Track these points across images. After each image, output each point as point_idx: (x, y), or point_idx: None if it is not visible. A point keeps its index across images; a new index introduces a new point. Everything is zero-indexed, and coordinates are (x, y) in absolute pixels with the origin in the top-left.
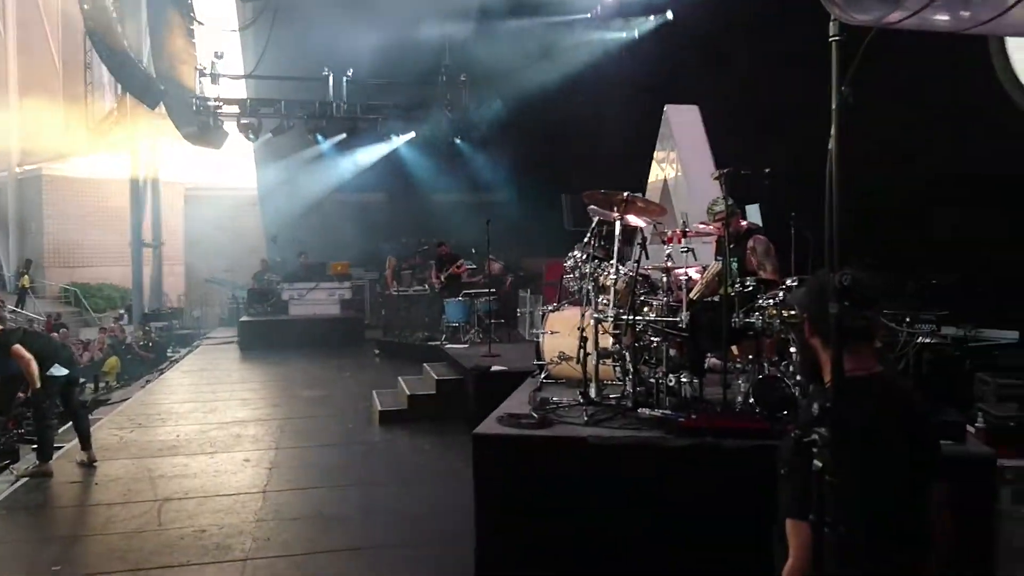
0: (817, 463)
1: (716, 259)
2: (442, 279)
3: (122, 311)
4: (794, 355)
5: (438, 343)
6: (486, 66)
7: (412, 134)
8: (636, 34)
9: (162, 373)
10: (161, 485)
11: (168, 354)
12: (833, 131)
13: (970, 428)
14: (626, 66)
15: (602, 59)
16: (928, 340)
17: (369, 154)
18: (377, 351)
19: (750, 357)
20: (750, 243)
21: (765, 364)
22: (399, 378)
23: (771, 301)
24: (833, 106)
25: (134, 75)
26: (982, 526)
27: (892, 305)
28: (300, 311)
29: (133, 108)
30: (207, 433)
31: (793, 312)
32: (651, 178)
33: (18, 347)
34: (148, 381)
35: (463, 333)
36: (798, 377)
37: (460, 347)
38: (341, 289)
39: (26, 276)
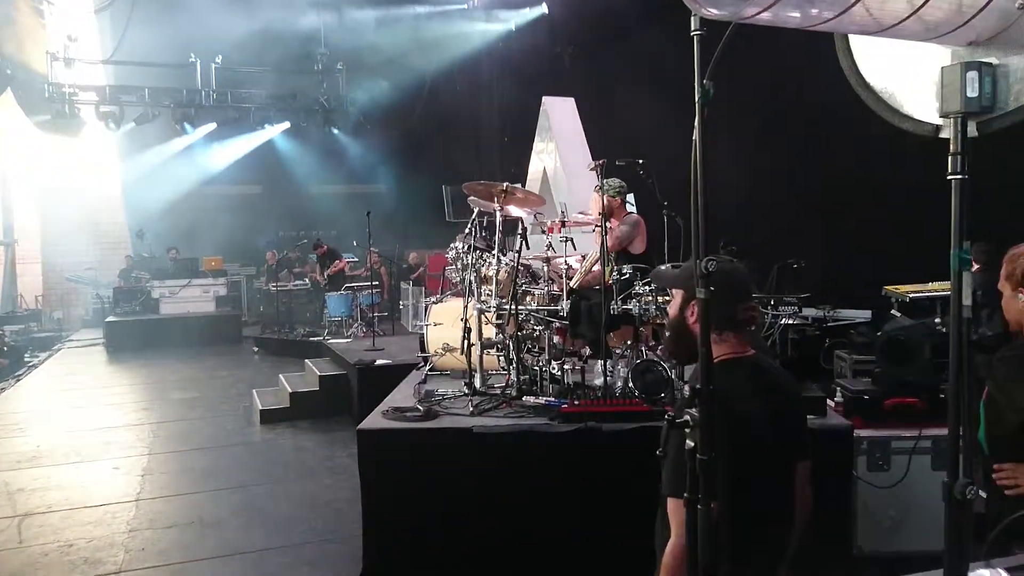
0: (690, 442)
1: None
2: (326, 277)
3: None
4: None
5: (320, 338)
6: (362, 54)
7: (287, 124)
8: (513, 26)
9: (19, 380)
10: (21, 500)
11: (26, 359)
12: (697, 123)
13: (830, 402)
14: (504, 58)
15: (480, 50)
16: (791, 321)
17: (242, 144)
18: (256, 348)
19: (628, 343)
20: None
21: (643, 349)
22: (280, 376)
23: (648, 288)
24: (696, 99)
25: None
26: (841, 492)
27: (758, 289)
28: (172, 309)
29: None
30: (72, 442)
31: (667, 297)
32: (531, 168)
33: None
34: (3, 389)
35: (346, 327)
36: (666, 352)
37: (343, 342)
38: (216, 285)
39: None
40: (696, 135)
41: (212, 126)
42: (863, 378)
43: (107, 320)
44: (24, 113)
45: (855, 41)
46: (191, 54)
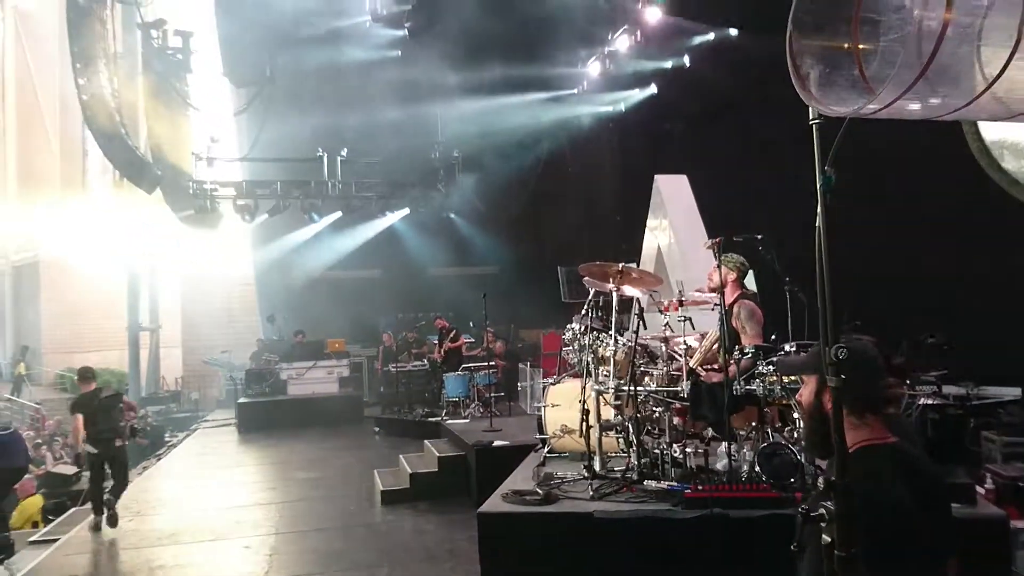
0: (826, 537)
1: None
2: (442, 353)
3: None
4: (798, 422)
5: (438, 419)
6: (477, 140)
7: (406, 210)
8: (623, 107)
9: (160, 459)
10: None
11: (166, 439)
12: (819, 210)
13: (980, 489)
14: (614, 138)
15: (591, 132)
16: (930, 401)
17: (364, 231)
18: (377, 429)
19: (753, 424)
20: (736, 308)
21: (769, 431)
22: (400, 456)
23: (771, 368)
24: (817, 186)
25: (131, 161)
26: None
27: (892, 367)
28: (299, 390)
29: (130, 193)
30: (206, 520)
31: (794, 378)
32: (645, 245)
33: None
34: (145, 468)
35: (463, 408)
36: (803, 444)
37: (461, 422)
38: (339, 367)
39: (22, 364)
40: (819, 222)
41: (337, 214)
42: (1016, 462)
43: (239, 401)
44: (171, 209)
45: (985, 126)
46: (319, 148)
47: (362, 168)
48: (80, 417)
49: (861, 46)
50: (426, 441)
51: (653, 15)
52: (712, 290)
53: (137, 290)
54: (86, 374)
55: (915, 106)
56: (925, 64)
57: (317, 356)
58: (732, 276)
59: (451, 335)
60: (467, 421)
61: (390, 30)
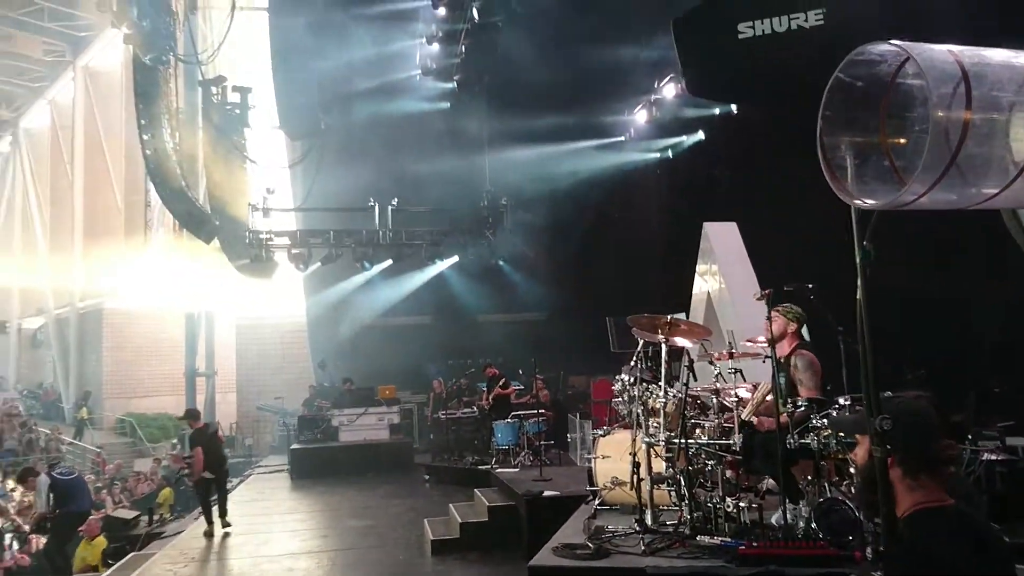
0: None
1: (780, 376)
2: (490, 400)
3: (175, 441)
4: (855, 478)
5: (488, 467)
6: (525, 188)
7: (455, 258)
8: (670, 154)
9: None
10: None
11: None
12: (860, 283)
13: None
14: (662, 184)
15: (638, 178)
16: (995, 456)
17: (414, 279)
18: (427, 476)
19: (808, 479)
20: (794, 358)
21: (826, 486)
22: (450, 505)
23: (825, 421)
24: (857, 260)
25: (191, 212)
26: None
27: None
28: (350, 437)
29: (189, 243)
30: (259, 567)
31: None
32: (695, 291)
33: None
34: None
35: (513, 456)
36: (859, 503)
37: (511, 471)
38: (390, 413)
39: (84, 408)
40: (860, 295)
41: (388, 262)
42: None
43: (292, 447)
44: (228, 258)
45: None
46: (370, 198)
47: (412, 217)
48: (200, 449)
49: (890, 140)
50: (476, 490)
51: None
52: (770, 341)
53: (194, 337)
54: (195, 414)
55: (949, 196)
56: (951, 158)
57: (368, 403)
58: (792, 327)
59: (500, 382)
60: (517, 470)
61: (439, 83)
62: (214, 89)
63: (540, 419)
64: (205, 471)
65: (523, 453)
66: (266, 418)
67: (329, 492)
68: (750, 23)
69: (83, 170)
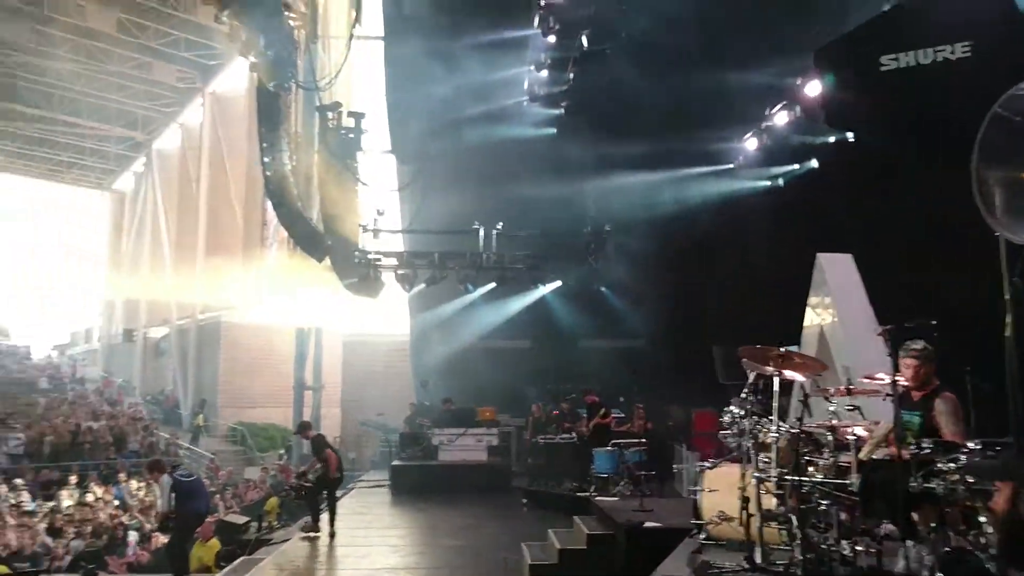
0: None
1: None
2: (589, 428)
3: (283, 451)
4: (985, 526)
5: (587, 494)
6: (629, 214)
7: (558, 282)
8: (781, 182)
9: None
10: None
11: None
12: (1009, 319)
13: None
14: (772, 213)
15: (747, 207)
16: None
17: (516, 302)
18: (525, 500)
19: (932, 525)
20: (938, 402)
21: (951, 534)
22: (550, 531)
23: (952, 465)
24: (1006, 296)
25: (305, 232)
26: None
27: None
28: (449, 456)
29: (301, 261)
30: None
31: (980, 481)
32: (806, 323)
33: None
34: (306, 522)
35: (612, 484)
36: (992, 551)
37: (610, 499)
38: (489, 435)
39: (200, 415)
40: (1008, 332)
41: (491, 285)
42: None
43: (393, 463)
44: (338, 277)
45: None
46: (475, 221)
47: (516, 240)
48: (331, 452)
49: None
50: (575, 517)
51: (813, 89)
52: (914, 384)
53: (303, 351)
54: (307, 426)
55: None
56: None
57: (467, 423)
58: (933, 368)
59: (600, 411)
60: (616, 499)
61: (546, 109)
62: (330, 114)
63: (641, 449)
64: (336, 471)
65: (623, 482)
66: (368, 433)
67: (427, 509)
68: (894, 56)
69: (207, 189)
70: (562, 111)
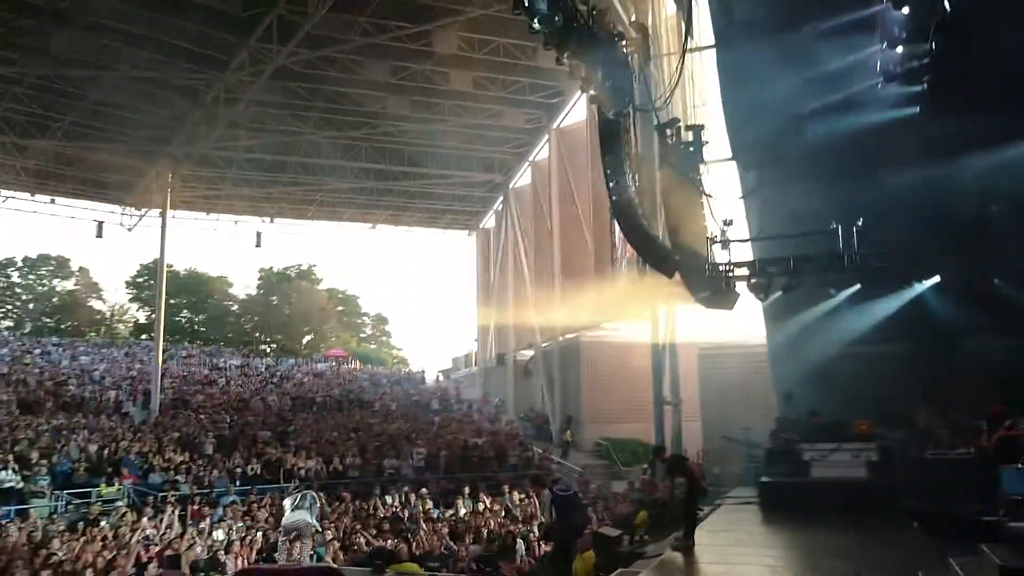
0: None
1: None
2: (994, 441)
3: (645, 466)
4: None
5: (995, 518)
6: (1020, 193)
7: (936, 278)
8: None
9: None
10: None
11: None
12: None
13: None
14: None
15: None
16: None
17: (886, 303)
18: (914, 523)
19: None
20: None
21: None
22: (951, 560)
23: None
24: None
25: (653, 250)
26: None
27: None
28: (822, 473)
29: (652, 279)
30: None
31: None
32: None
33: None
34: (676, 538)
35: None
36: None
37: None
38: (867, 450)
39: (568, 431)
40: None
41: (856, 287)
42: None
43: (762, 480)
44: (689, 291)
45: None
46: (831, 221)
47: (880, 237)
48: (692, 465)
49: None
50: (981, 545)
51: None
52: None
53: (660, 366)
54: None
55: None
56: None
57: (840, 437)
58: None
59: (1007, 423)
60: None
61: (905, 87)
62: (668, 131)
63: None
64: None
65: None
66: (731, 448)
67: (802, 529)
68: None
69: (559, 219)
70: (924, 86)
